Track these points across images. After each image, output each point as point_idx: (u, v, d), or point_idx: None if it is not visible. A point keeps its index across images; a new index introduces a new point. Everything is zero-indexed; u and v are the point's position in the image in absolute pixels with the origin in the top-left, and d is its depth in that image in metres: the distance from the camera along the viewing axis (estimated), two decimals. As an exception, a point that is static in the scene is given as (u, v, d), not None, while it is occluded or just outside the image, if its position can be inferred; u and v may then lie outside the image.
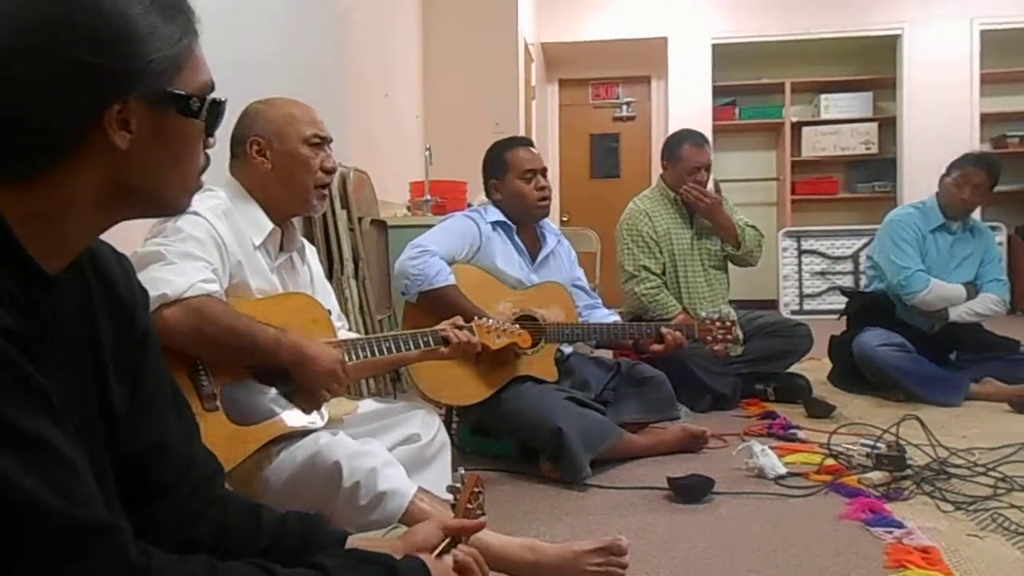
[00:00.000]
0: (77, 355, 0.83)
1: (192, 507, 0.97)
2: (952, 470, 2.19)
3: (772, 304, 7.12)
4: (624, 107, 8.14)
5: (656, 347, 2.58)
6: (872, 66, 7.46)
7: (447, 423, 2.59)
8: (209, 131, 0.84)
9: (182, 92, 0.79)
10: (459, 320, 1.93)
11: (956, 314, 3.34)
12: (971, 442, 2.50)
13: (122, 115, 0.75)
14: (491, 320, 2.03)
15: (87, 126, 0.74)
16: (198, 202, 1.64)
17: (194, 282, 1.45)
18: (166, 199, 0.83)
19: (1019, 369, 3.31)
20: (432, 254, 2.39)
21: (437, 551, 1.01)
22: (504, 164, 2.62)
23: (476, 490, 1.22)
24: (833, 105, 7.48)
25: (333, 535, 1.05)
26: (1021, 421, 2.83)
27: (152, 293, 1.39)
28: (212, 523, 0.98)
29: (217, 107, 0.83)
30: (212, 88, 0.83)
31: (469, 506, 1.18)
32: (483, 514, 1.23)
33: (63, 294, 0.81)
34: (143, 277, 1.42)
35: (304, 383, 1.60)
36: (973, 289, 3.37)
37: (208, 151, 0.87)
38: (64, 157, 0.74)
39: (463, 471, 1.24)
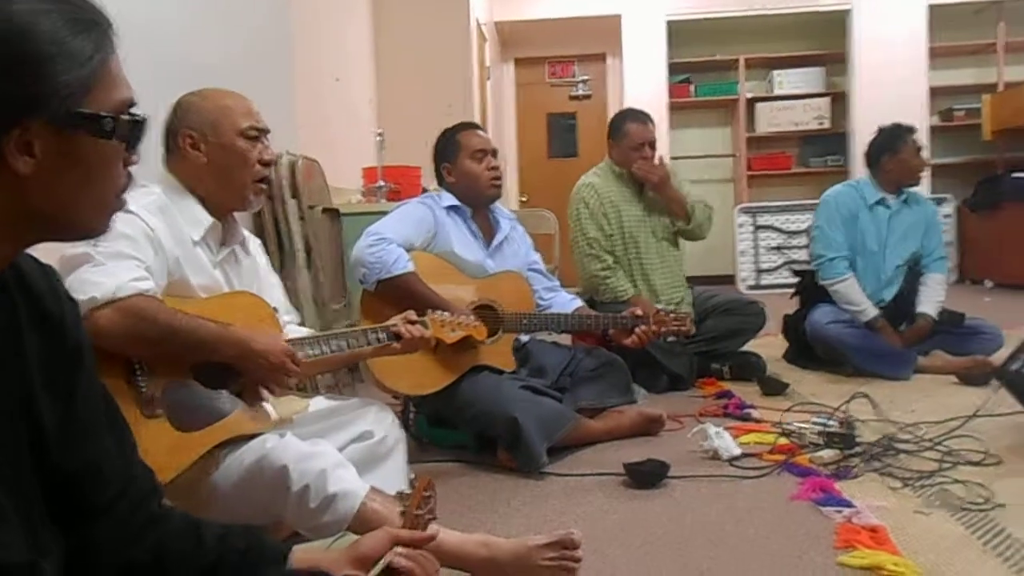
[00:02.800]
0: (2, 376, 0.79)
1: (131, 528, 0.94)
2: (900, 446, 2.24)
3: (729, 279, 7.22)
4: (580, 85, 8.12)
5: (627, 340, 2.59)
6: (824, 42, 7.53)
7: (404, 413, 2.58)
8: (129, 150, 0.80)
9: (93, 112, 0.74)
10: (412, 314, 1.90)
11: (934, 310, 3.41)
12: (919, 416, 2.56)
13: (24, 139, 0.70)
14: (445, 313, 2.01)
15: None
16: (131, 199, 1.58)
17: (124, 282, 1.40)
18: (80, 224, 0.79)
19: (966, 342, 3.39)
20: (389, 241, 2.35)
21: (374, 573, 0.99)
22: (455, 146, 2.60)
23: (426, 494, 1.20)
24: (786, 81, 7.55)
25: (275, 550, 1.03)
26: (967, 393, 2.89)
27: (81, 297, 1.35)
28: (152, 543, 0.95)
29: (135, 125, 0.78)
30: (131, 104, 0.79)
31: (418, 512, 1.16)
32: (434, 518, 1.21)
33: None
34: (72, 280, 1.39)
35: (253, 378, 1.57)
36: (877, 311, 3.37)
37: (131, 168, 0.83)
38: None
39: (412, 476, 1.22)
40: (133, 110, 0.79)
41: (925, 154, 3.49)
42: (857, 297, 3.38)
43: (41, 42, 0.70)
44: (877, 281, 3.45)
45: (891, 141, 3.48)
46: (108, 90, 0.76)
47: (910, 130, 3.51)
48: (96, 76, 0.74)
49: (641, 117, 3.52)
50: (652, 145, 3.47)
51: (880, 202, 3.48)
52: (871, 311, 3.35)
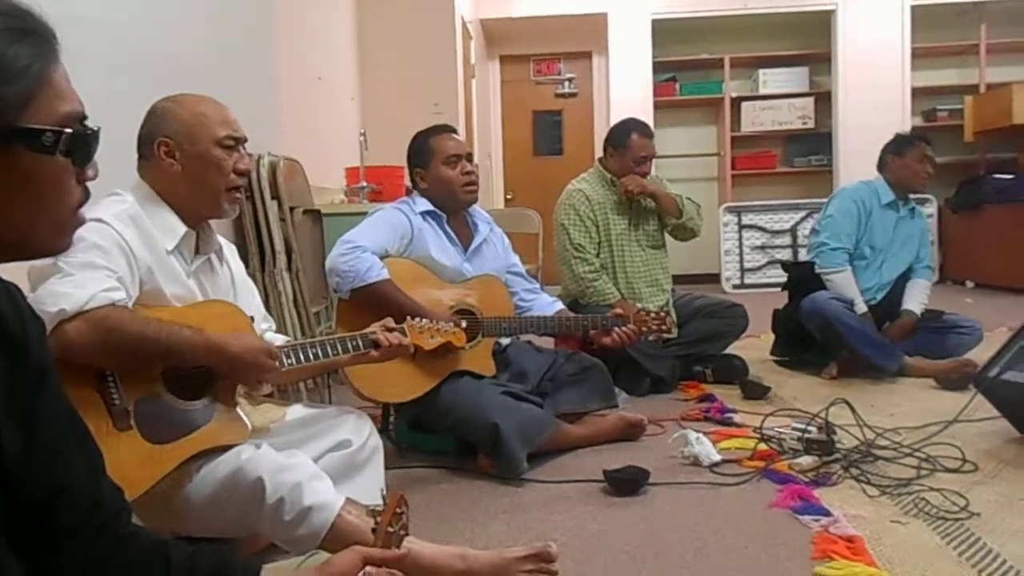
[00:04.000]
0: None
1: (98, 550, 0.92)
2: (878, 452, 2.25)
3: (714, 278, 7.24)
4: (566, 83, 8.11)
5: (606, 340, 2.59)
6: (808, 41, 7.56)
7: (384, 418, 2.56)
8: (78, 164, 0.77)
9: (33, 127, 0.71)
10: (390, 322, 1.89)
11: (918, 308, 3.46)
12: (898, 421, 2.57)
13: None
14: (424, 320, 2.00)
15: None
16: (103, 208, 1.56)
17: (95, 293, 1.38)
18: (35, 244, 0.77)
19: (945, 338, 3.44)
20: (363, 249, 2.33)
21: None
22: (428, 151, 2.57)
23: (399, 510, 1.19)
24: (771, 80, 7.56)
25: (245, 570, 1.02)
26: (946, 398, 2.91)
27: (50, 309, 1.34)
28: (118, 566, 0.94)
29: (82, 139, 0.75)
30: (79, 118, 0.75)
31: (391, 528, 1.15)
32: (406, 534, 1.21)
33: None
34: (41, 292, 1.37)
35: (230, 379, 1.56)
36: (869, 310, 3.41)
37: (89, 182, 0.81)
38: None
39: (384, 491, 1.21)
40: (84, 123, 0.76)
41: (930, 169, 3.50)
42: (850, 289, 3.41)
43: None
44: (877, 282, 3.49)
45: (900, 144, 3.53)
46: (51, 103, 0.73)
47: (921, 138, 3.55)
48: (36, 89, 0.71)
49: (646, 129, 3.49)
50: (652, 158, 3.46)
51: (891, 204, 3.52)
52: (860, 307, 3.38)
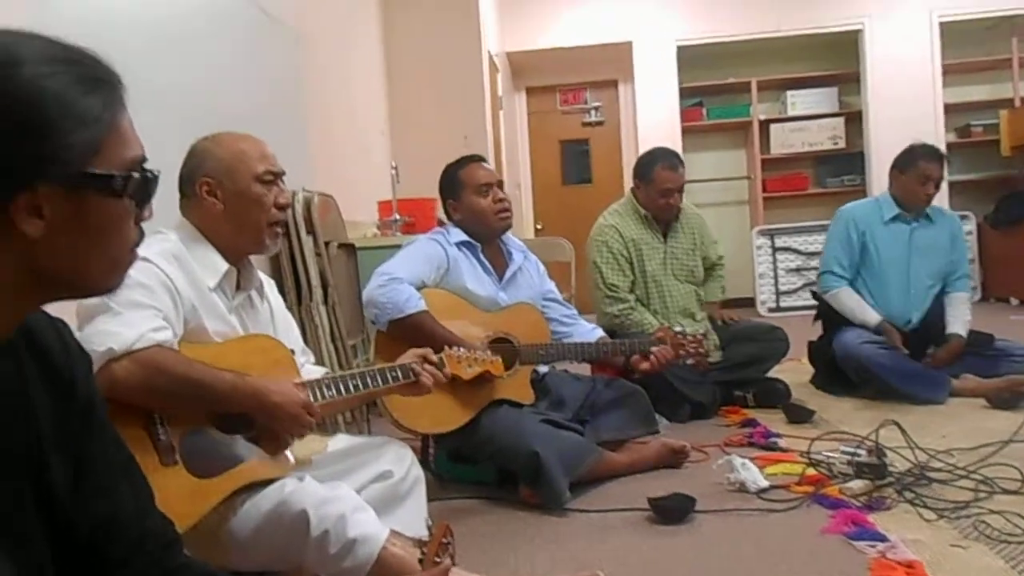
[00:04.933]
0: (5, 441, 0.78)
1: None
2: (933, 475, 2.18)
3: (749, 302, 7.15)
4: (592, 112, 8.14)
5: (644, 365, 2.56)
6: (836, 62, 7.52)
7: (423, 450, 2.55)
8: (139, 207, 0.79)
9: (103, 172, 0.73)
10: (429, 352, 1.88)
11: (964, 329, 3.36)
12: (950, 443, 2.49)
13: (32, 202, 0.69)
14: (461, 349, 1.99)
15: None
16: (147, 247, 1.58)
17: (143, 332, 1.40)
18: (91, 283, 0.78)
19: (996, 364, 3.31)
20: (400, 281, 2.34)
21: None
22: (459, 182, 2.59)
23: (445, 541, 1.18)
24: (799, 102, 7.52)
25: (294, 603, 1.01)
26: (998, 417, 2.83)
27: (99, 348, 1.35)
28: None
29: (146, 183, 0.77)
30: (142, 161, 0.77)
31: (438, 559, 1.14)
32: (454, 564, 1.19)
33: None
34: (89, 331, 1.39)
35: (268, 428, 1.56)
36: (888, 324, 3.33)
37: (143, 223, 0.82)
38: None
39: (430, 521, 1.20)
40: (145, 167, 0.78)
41: (937, 188, 3.39)
42: (854, 304, 3.37)
43: (49, 105, 0.69)
44: (905, 297, 3.40)
45: (904, 160, 3.44)
46: (118, 148, 0.75)
47: (927, 155, 3.39)
48: (105, 135, 0.73)
49: (671, 160, 3.38)
50: (680, 190, 3.39)
51: (898, 217, 3.43)
52: (873, 316, 3.32)
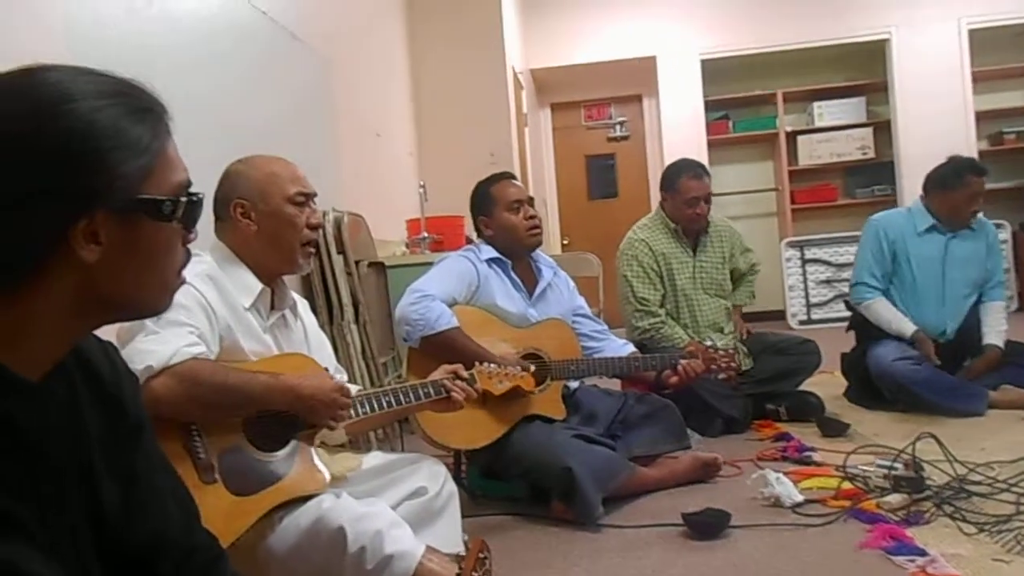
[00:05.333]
0: (60, 461, 0.80)
1: None
2: (972, 488, 2.14)
3: (779, 315, 7.08)
4: (617, 127, 8.16)
5: (673, 380, 2.56)
6: (863, 71, 7.47)
7: (456, 466, 2.56)
8: (187, 228, 0.82)
9: (153, 197, 0.76)
10: (460, 368, 1.90)
11: (1000, 340, 3.31)
12: (989, 455, 2.45)
13: (89, 228, 0.73)
14: (492, 365, 2.00)
15: (52, 244, 0.72)
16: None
17: (179, 348, 1.43)
18: (145, 304, 0.82)
19: (1035, 373, 3.25)
20: (432, 298, 2.36)
21: None
22: (490, 199, 2.61)
23: (481, 555, 1.19)
24: (827, 112, 7.47)
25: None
26: (1038, 429, 2.77)
27: (138, 366, 1.38)
28: None
29: (192, 205, 0.81)
30: (188, 185, 0.81)
31: (475, 574, 1.15)
32: (491, 579, 1.20)
33: (47, 399, 0.78)
34: (129, 350, 1.42)
35: (307, 421, 1.59)
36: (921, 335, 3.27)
37: (189, 245, 0.85)
38: (29, 275, 0.72)
39: (467, 537, 1.21)
40: (190, 190, 0.81)
41: (977, 207, 3.32)
42: (889, 315, 3.32)
43: (102, 136, 0.72)
44: (940, 308, 3.34)
45: (949, 177, 3.30)
46: (166, 174, 0.78)
47: (975, 170, 3.29)
48: (154, 162, 0.77)
49: (696, 170, 3.39)
50: (708, 199, 3.38)
51: (933, 228, 3.36)
52: (908, 326, 3.27)
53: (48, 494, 0.76)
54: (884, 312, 3.34)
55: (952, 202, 3.30)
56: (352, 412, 1.67)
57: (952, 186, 3.30)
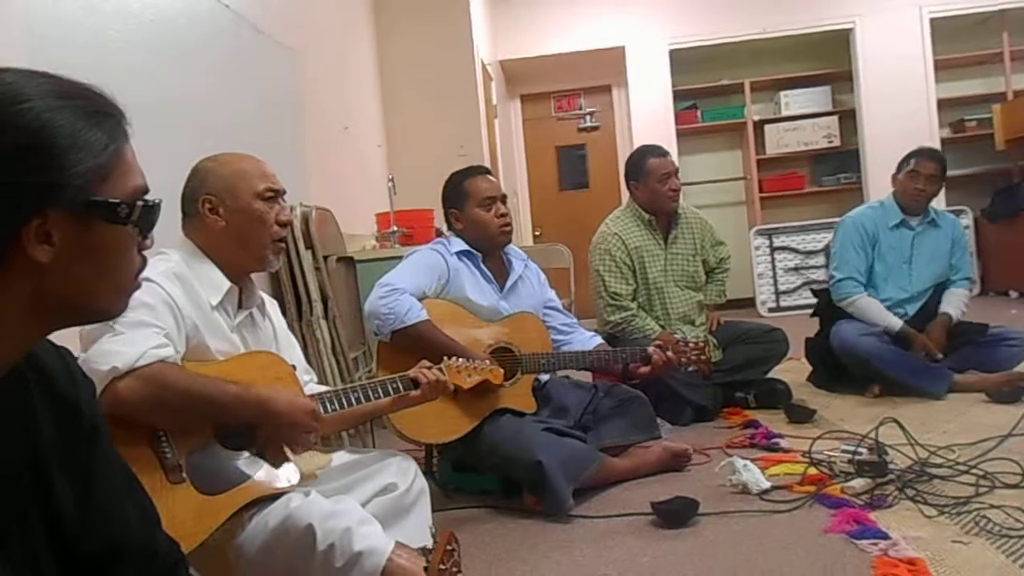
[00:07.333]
0: (12, 465, 0.80)
1: None
2: (933, 471, 2.19)
3: (749, 303, 7.16)
4: (587, 117, 8.17)
5: (643, 370, 2.58)
6: (828, 60, 7.55)
7: (427, 460, 2.56)
8: (143, 234, 0.82)
9: (108, 200, 0.76)
10: (426, 364, 1.90)
11: (955, 312, 3.40)
12: (951, 438, 2.51)
13: (42, 228, 0.72)
14: (460, 360, 2.01)
15: (3, 243, 0.71)
16: (150, 267, 1.59)
17: (145, 350, 1.41)
18: (99, 307, 0.81)
19: (993, 352, 3.34)
20: (402, 291, 2.35)
21: None
22: (463, 193, 2.60)
23: (449, 548, 1.20)
24: (793, 101, 7.55)
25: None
26: (998, 411, 2.84)
27: (103, 368, 1.37)
28: None
29: (149, 211, 0.80)
30: (145, 191, 0.81)
31: (443, 566, 1.16)
32: (459, 572, 1.21)
33: None
34: (94, 351, 1.41)
35: (275, 437, 1.57)
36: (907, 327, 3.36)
37: (145, 251, 0.85)
38: None
39: (435, 530, 1.21)
40: (147, 196, 0.81)
41: (933, 186, 3.44)
42: (876, 312, 3.37)
43: (57, 136, 0.72)
44: (901, 294, 3.43)
45: (902, 161, 3.51)
46: (123, 177, 0.78)
47: (920, 153, 3.49)
48: (110, 164, 0.77)
49: (658, 150, 3.50)
50: (675, 173, 3.45)
51: (902, 223, 3.46)
52: (895, 321, 3.34)
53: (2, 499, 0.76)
54: (870, 309, 3.39)
55: (902, 185, 3.46)
56: (323, 409, 1.66)
57: (902, 168, 3.49)
